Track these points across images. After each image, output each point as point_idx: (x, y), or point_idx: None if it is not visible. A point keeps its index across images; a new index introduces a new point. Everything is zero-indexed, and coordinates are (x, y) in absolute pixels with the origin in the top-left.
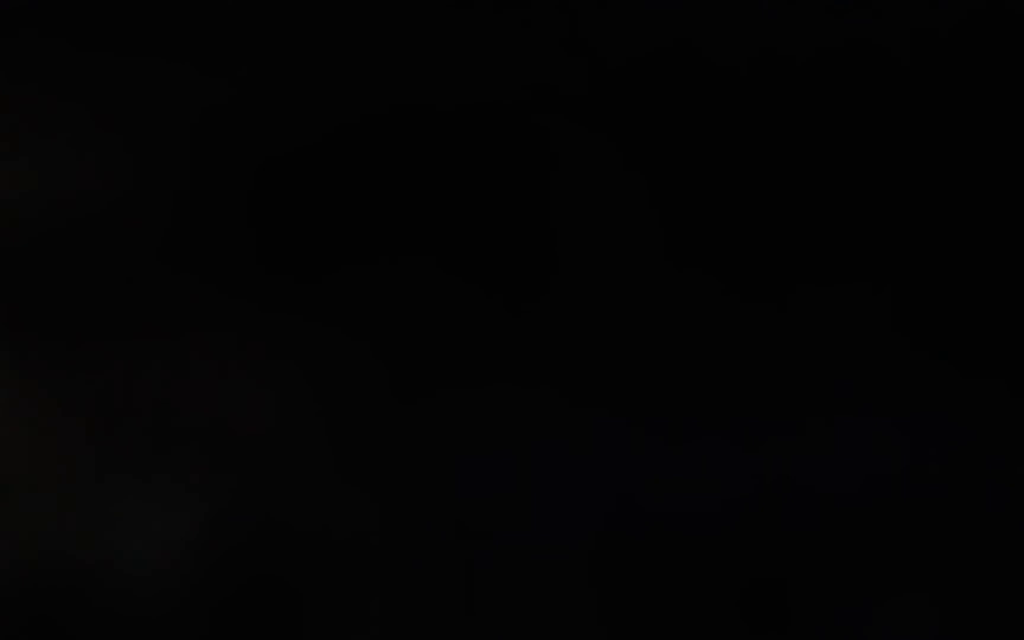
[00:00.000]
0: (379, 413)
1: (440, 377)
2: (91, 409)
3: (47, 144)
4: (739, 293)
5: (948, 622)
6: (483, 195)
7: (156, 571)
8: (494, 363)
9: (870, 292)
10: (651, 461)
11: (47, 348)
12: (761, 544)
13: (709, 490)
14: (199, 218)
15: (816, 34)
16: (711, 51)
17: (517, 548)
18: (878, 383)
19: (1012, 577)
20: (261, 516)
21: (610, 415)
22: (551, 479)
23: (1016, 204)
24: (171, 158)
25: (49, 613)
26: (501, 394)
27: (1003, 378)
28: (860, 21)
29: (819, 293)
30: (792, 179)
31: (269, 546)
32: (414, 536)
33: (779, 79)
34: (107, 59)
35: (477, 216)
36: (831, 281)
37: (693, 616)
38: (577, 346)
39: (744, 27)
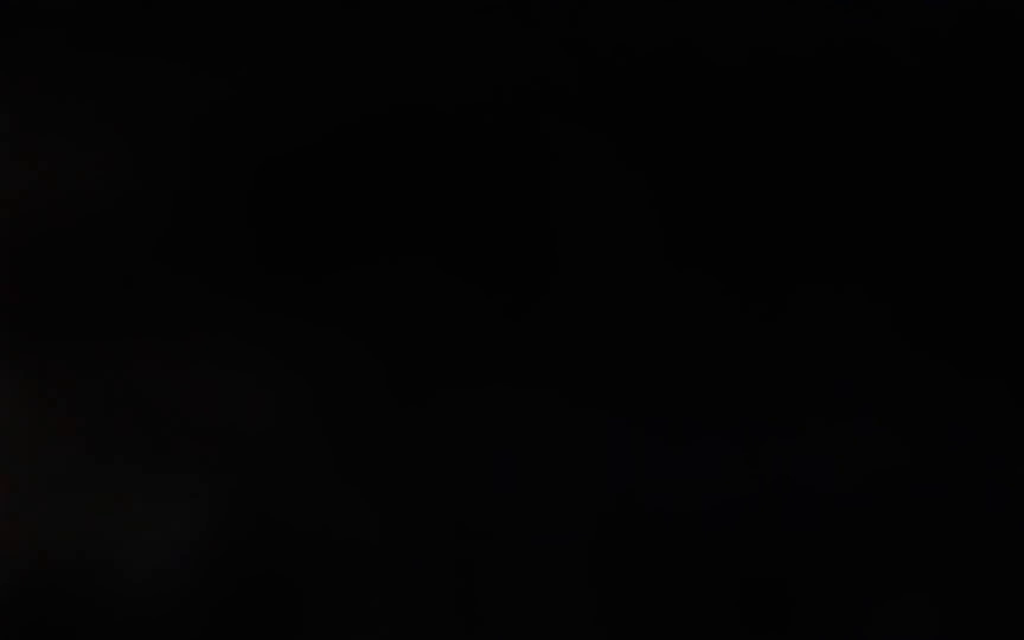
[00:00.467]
0: (379, 412)
1: (440, 377)
2: (91, 409)
3: (47, 144)
4: (739, 293)
5: (948, 622)
6: (483, 195)
7: (156, 571)
8: (493, 363)
9: (870, 292)
10: (651, 461)
11: (47, 348)
12: (761, 544)
13: (709, 490)
14: (199, 218)
15: (816, 34)
16: (711, 51)
17: (517, 548)
18: (878, 383)
19: (1012, 577)
20: (261, 516)
21: (610, 415)
22: (551, 479)
23: (1016, 204)
24: (171, 158)
25: (49, 613)
26: (501, 394)
27: (1003, 378)
28: (860, 21)
29: (819, 293)
30: (792, 180)
31: (269, 546)
32: (414, 536)
33: (779, 79)
34: (107, 59)
35: (477, 216)
36: (831, 281)
37: (693, 616)
38: (577, 346)
39: (744, 27)
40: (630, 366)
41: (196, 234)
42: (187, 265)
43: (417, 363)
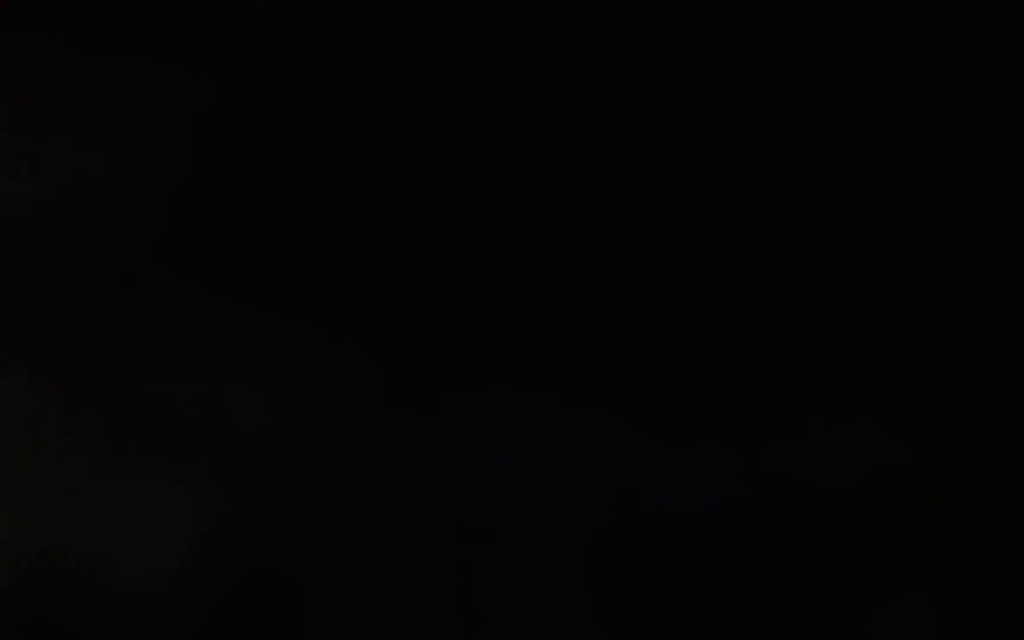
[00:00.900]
0: (379, 412)
1: (440, 377)
2: (91, 408)
3: (47, 144)
4: (739, 293)
5: (948, 622)
6: (483, 195)
7: (156, 571)
8: (493, 363)
9: (870, 292)
10: (651, 461)
11: (47, 348)
12: (761, 544)
13: (709, 490)
14: (199, 218)
15: (816, 34)
16: (711, 51)
17: (517, 548)
18: (878, 383)
19: (1012, 577)
20: (261, 516)
21: (610, 415)
22: (551, 479)
23: (1016, 204)
24: (171, 158)
25: (49, 613)
26: (501, 394)
27: (1003, 378)
28: (860, 21)
29: (819, 293)
30: (792, 180)
31: (269, 546)
32: (414, 536)
33: (779, 79)
34: (107, 59)
35: (477, 216)
36: (831, 281)
37: (693, 616)
38: (577, 346)
39: (744, 27)
40: (630, 366)
41: (196, 234)
42: (187, 265)
43: (417, 363)
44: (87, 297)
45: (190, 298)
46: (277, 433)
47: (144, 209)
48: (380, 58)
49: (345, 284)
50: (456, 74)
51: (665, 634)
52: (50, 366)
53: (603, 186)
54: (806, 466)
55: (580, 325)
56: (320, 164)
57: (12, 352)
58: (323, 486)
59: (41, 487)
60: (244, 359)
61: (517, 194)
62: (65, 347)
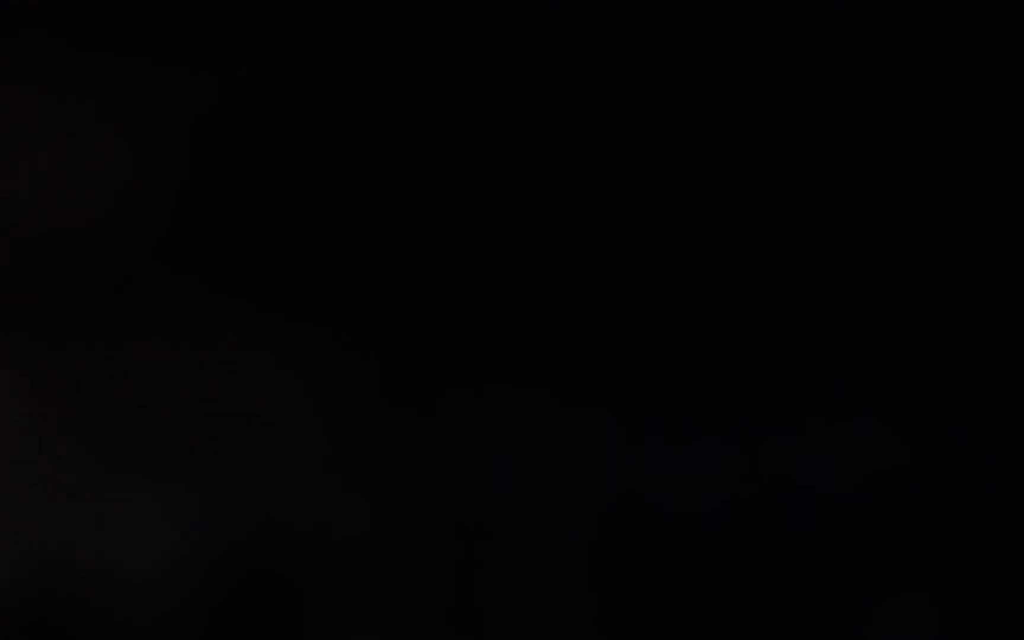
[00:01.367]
0: (379, 412)
1: (440, 377)
2: (90, 408)
3: (47, 144)
4: (739, 293)
5: (948, 622)
6: (483, 195)
7: (155, 571)
8: (494, 363)
9: (870, 292)
10: (651, 461)
11: (47, 348)
12: (761, 544)
13: (709, 490)
14: (199, 218)
15: (816, 34)
16: (711, 51)
17: (517, 548)
18: (878, 383)
19: (1012, 577)
20: (261, 516)
21: (610, 415)
22: (551, 479)
23: (1016, 204)
24: (171, 158)
25: (48, 613)
26: (501, 394)
27: (1003, 378)
28: (860, 21)
29: (819, 293)
30: (792, 180)
31: (269, 546)
32: (414, 536)
33: (779, 79)
34: (107, 59)
35: (477, 216)
36: (831, 281)
37: (693, 616)
38: (577, 346)
39: (744, 27)
40: (630, 366)
41: (196, 234)
42: (187, 265)
43: (417, 363)
44: (87, 297)
45: (190, 298)
46: (277, 433)
47: (144, 209)
48: (380, 58)
49: (345, 284)
50: (456, 74)
51: (665, 634)
52: (50, 366)
53: (603, 186)
54: (806, 466)
55: (580, 325)
56: (320, 164)
57: (12, 352)
58: (323, 486)
59: (41, 487)
60: (244, 359)
61: (517, 194)
62: (65, 347)
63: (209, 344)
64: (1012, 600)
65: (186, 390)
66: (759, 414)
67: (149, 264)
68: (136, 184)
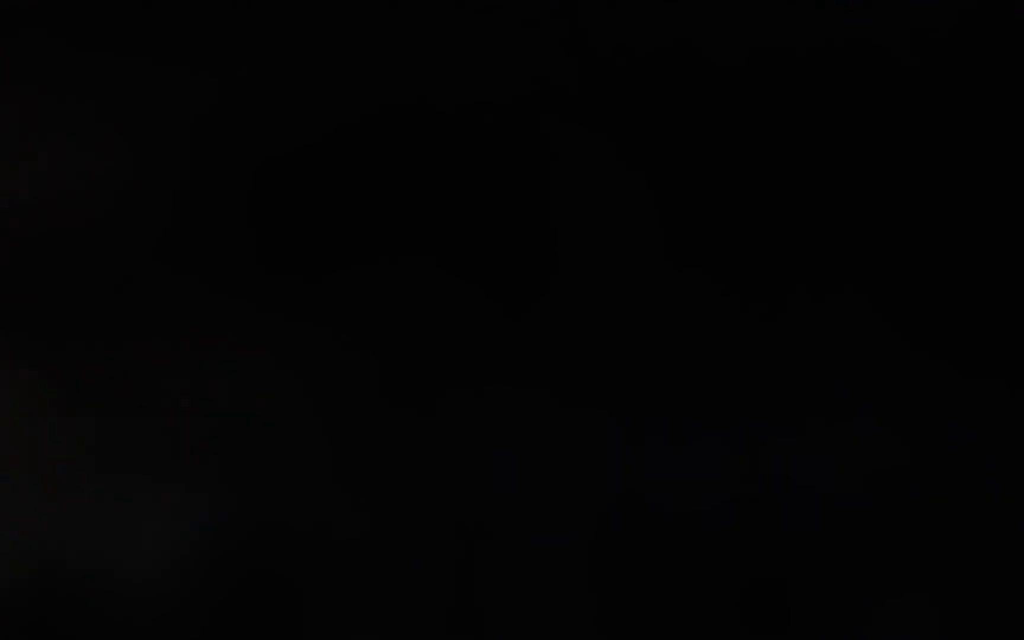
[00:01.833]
0: (379, 412)
1: (440, 377)
2: (90, 409)
3: (47, 144)
4: (739, 293)
5: (948, 622)
6: (483, 195)
7: (156, 571)
8: (494, 363)
9: (870, 292)
10: (651, 461)
11: (47, 348)
12: (761, 544)
13: (709, 490)
14: (199, 218)
15: (816, 34)
16: (711, 51)
17: (517, 548)
18: (878, 383)
19: (1012, 577)
20: (261, 516)
21: (610, 415)
22: (551, 479)
23: (1016, 205)
24: (171, 158)
25: (48, 613)
26: (501, 394)
27: (1003, 378)
28: (860, 21)
29: (819, 292)
30: (792, 180)
31: (269, 546)
32: (414, 536)
33: (779, 79)
34: (107, 59)
35: (477, 216)
36: (831, 281)
37: (693, 616)
38: (577, 346)
39: (744, 27)
40: (630, 366)
41: (196, 234)
42: (187, 265)
43: (417, 363)
44: (87, 297)
45: (190, 298)
46: (277, 433)
47: (144, 209)
48: (380, 58)
49: (345, 284)
50: (456, 74)
51: (665, 634)
52: (50, 366)
53: (603, 186)
54: (806, 466)
55: (580, 325)
56: (320, 164)
57: (12, 352)
58: (323, 486)
59: (41, 487)
60: (244, 359)
61: (517, 194)
62: (65, 347)
63: (209, 344)
64: (1012, 600)
65: (186, 390)
66: (759, 414)
67: (149, 264)
68: (136, 184)
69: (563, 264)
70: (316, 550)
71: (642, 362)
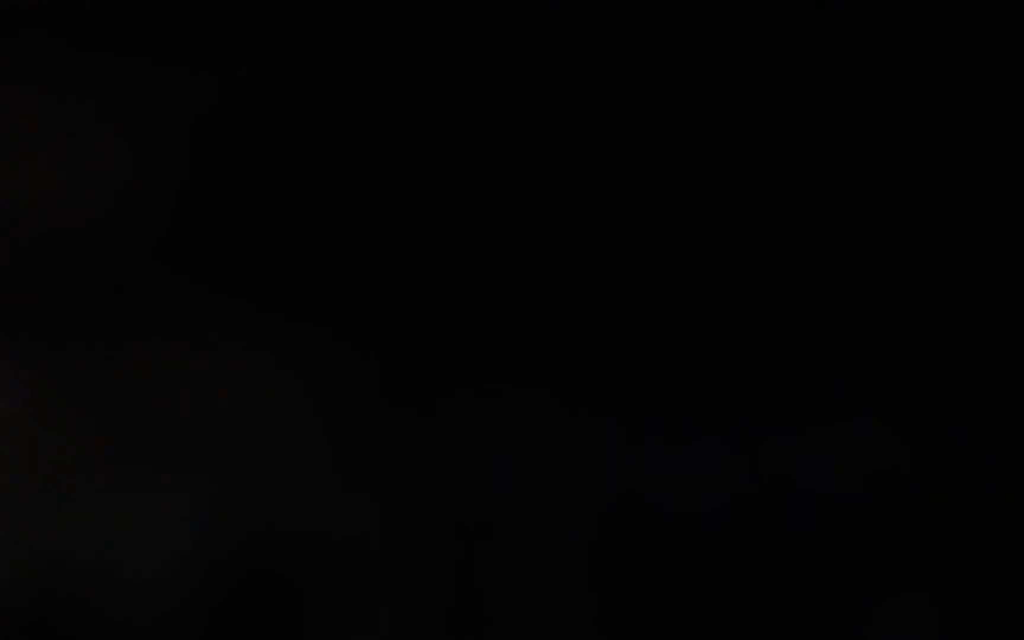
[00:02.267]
0: (379, 412)
1: (440, 377)
2: (90, 409)
3: (47, 144)
4: (739, 293)
5: (948, 622)
6: (483, 195)
7: (156, 571)
8: (494, 363)
9: (870, 292)
10: (651, 461)
11: (47, 348)
12: (761, 544)
13: (709, 490)
14: (199, 218)
15: (816, 34)
16: (711, 51)
17: (517, 548)
18: (878, 383)
19: (1012, 577)
20: (261, 516)
21: (610, 415)
22: (551, 479)
23: (1016, 205)
24: (171, 158)
25: (48, 614)
26: (501, 394)
27: (1003, 378)
28: (860, 21)
29: (819, 293)
30: (792, 180)
31: (269, 546)
32: (414, 536)
33: (779, 79)
34: (107, 59)
35: (477, 216)
36: (831, 281)
37: (693, 616)
38: (577, 346)
39: (744, 27)
40: (630, 366)
41: (196, 234)
42: (187, 265)
43: (417, 363)
44: (87, 297)
45: (190, 298)
46: (277, 433)
47: (144, 209)
48: (380, 58)
49: (345, 284)
50: (456, 74)
51: (665, 634)
52: (50, 366)
53: (603, 186)
54: (806, 466)
55: (580, 325)
56: (320, 164)
57: (12, 352)
58: (323, 486)
59: (41, 487)
60: (244, 359)
61: (517, 194)
62: (65, 347)
63: (209, 344)
64: (1012, 600)
65: (186, 390)
66: (759, 414)
67: (149, 264)
68: (136, 184)
69: (563, 264)
70: (316, 550)
71: (642, 362)
